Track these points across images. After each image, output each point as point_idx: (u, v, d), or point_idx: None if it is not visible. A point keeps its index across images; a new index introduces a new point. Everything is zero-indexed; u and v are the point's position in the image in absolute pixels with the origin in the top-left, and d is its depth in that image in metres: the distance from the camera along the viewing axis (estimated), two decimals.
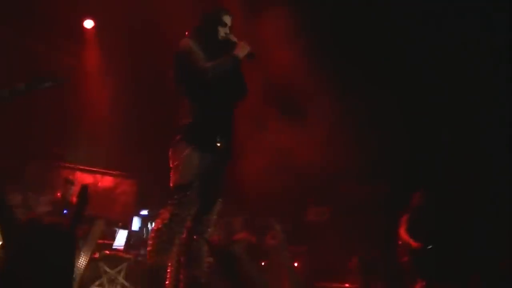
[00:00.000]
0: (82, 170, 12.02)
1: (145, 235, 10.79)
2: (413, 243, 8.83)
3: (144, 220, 11.41)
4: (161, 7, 9.27)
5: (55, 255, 1.47)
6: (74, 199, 9.18)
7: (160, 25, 9.46)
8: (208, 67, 5.07)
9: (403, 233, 9.01)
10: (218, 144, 5.16)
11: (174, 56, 5.29)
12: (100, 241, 9.32)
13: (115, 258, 9.37)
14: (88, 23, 11.41)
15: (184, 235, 5.09)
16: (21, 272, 1.46)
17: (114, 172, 12.60)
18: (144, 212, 11.61)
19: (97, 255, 8.97)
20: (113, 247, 9.89)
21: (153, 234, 4.95)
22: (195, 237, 5.15)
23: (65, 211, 9.24)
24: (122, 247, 10.09)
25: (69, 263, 1.47)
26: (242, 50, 5.23)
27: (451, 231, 9.05)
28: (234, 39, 5.32)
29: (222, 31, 5.36)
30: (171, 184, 5.03)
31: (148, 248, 4.94)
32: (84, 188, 1.56)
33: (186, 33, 5.44)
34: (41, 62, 10.19)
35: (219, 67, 5.12)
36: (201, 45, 5.26)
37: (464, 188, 9.34)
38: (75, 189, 9.72)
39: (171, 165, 5.11)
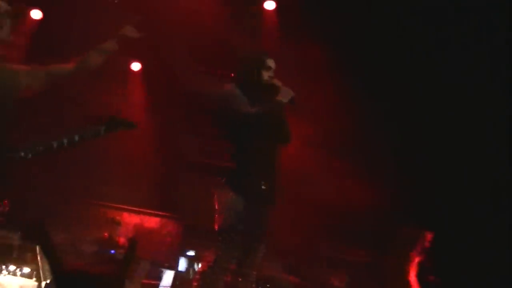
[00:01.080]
0: (128, 211, 12.09)
1: (191, 276, 10.78)
2: None
3: (191, 261, 11.40)
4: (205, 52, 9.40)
5: None
6: (121, 240, 9.28)
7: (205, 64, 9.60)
8: (252, 112, 5.10)
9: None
10: (263, 187, 5.17)
11: (219, 100, 5.35)
12: (146, 281, 9.36)
13: None
14: (135, 66, 11.60)
15: (228, 278, 5.09)
16: None
17: (160, 213, 12.64)
18: (191, 253, 11.61)
19: None
20: (159, 287, 9.91)
21: (197, 276, 4.98)
22: (240, 279, 5.15)
23: (112, 251, 9.32)
24: None
25: None
26: (285, 95, 5.24)
27: None
28: (278, 83, 5.34)
29: (266, 75, 5.38)
30: (215, 227, 5.06)
31: None
32: (133, 243, 1.57)
33: (231, 75, 5.51)
34: (88, 104, 10.35)
35: (263, 112, 5.14)
36: (245, 88, 5.30)
37: None
38: (122, 230, 9.81)
39: (216, 207, 5.14)
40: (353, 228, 10.22)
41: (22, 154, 4.18)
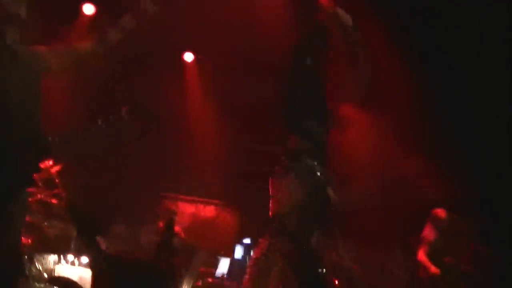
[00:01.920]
0: (183, 201, 12.19)
1: (247, 264, 10.80)
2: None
3: (247, 249, 11.44)
4: (260, 33, 9.32)
5: None
6: (177, 229, 9.35)
7: (261, 51, 9.54)
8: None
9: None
10: (318, 173, 5.16)
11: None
12: (203, 269, 9.42)
13: (218, 286, 9.44)
14: (188, 56, 11.60)
15: (282, 265, 5.09)
16: None
17: (215, 202, 12.71)
18: (247, 241, 11.65)
19: (199, 283, 9.05)
20: (216, 275, 9.96)
21: (251, 263, 4.99)
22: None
23: None
24: (225, 276, 10.15)
25: None
26: None
27: None
28: None
29: None
30: (270, 213, 5.06)
31: (246, 277, 4.97)
32: (170, 221, 1.56)
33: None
34: (142, 95, 10.42)
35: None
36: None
37: None
38: (178, 219, 9.88)
39: (270, 194, 5.14)
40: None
41: (50, 140, 4.23)
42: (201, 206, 12.61)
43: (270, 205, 5.10)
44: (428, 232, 8.77)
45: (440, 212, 8.83)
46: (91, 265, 1.69)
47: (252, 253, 10.53)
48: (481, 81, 9.17)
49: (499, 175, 9.25)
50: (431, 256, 8.44)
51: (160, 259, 1.56)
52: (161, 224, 10.11)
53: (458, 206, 9.06)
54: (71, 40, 5.02)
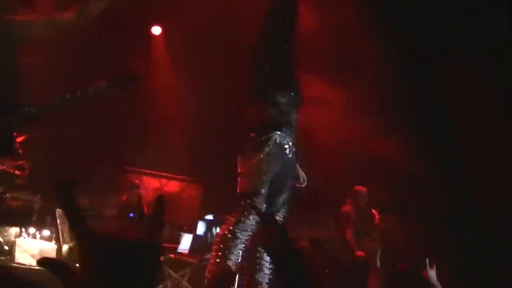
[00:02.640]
0: (148, 175, 12.11)
1: (209, 240, 10.80)
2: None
3: (209, 225, 11.42)
4: (229, 7, 9.25)
5: (139, 274, 1.41)
6: (142, 204, 9.25)
7: (229, 26, 9.47)
8: None
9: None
10: (287, 151, 5.13)
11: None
12: (165, 244, 9.38)
13: (180, 262, 9.41)
14: (156, 30, 11.49)
15: (248, 242, 5.06)
16: None
17: (180, 177, 12.65)
18: (209, 217, 11.62)
19: (161, 259, 9.01)
20: (178, 251, 9.93)
21: (217, 239, 4.94)
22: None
23: (131, 215, 9.31)
24: (187, 251, 10.12)
25: (152, 279, 1.42)
26: None
27: None
28: None
29: None
30: (238, 190, 5.01)
31: (212, 254, 4.93)
32: (161, 198, 1.51)
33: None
34: (111, 64, 10.27)
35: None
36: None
37: None
38: (141, 193, 9.81)
39: (239, 171, 5.09)
40: None
41: (27, 110, 4.15)
42: (165, 181, 12.55)
43: (239, 182, 5.05)
44: (349, 209, 8.86)
45: (361, 189, 8.90)
46: (78, 243, 1.62)
47: (215, 229, 10.55)
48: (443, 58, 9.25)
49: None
50: (355, 235, 8.54)
51: (152, 235, 1.51)
52: (124, 197, 10.04)
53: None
54: (54, 11, 4.92)
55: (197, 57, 10.98)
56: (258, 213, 4.74)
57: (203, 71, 11.13)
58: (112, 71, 4.65)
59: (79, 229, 1.44)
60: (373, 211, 8.89)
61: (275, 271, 2.08)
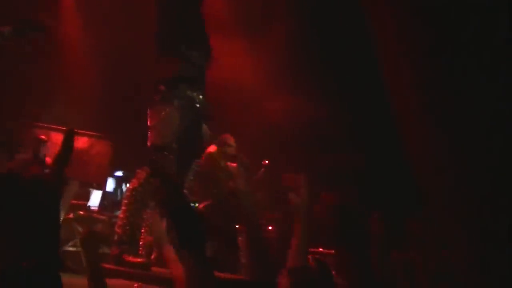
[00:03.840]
0: (56, 130, 11.86)
1: (119, 197, 10.76)
2: None
3: (119, 181, 11.37)
4: None
5: (41, 211, 1.39)
6: (48, 159, 9.09)
7: None
8: None
9: None
10: (197, 105, 5.11)
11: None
12: (74, 201, 9.27)
13: (90, 219, 9.35)
14: None
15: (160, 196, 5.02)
16: (4, 232, 1.38)
17: (88, 133, 12.47)
18: (119, 173, 11.56)
19: (71, 216, 8.91)
20: (88, 207, 9.86)
21: (128, 193, 4.88)
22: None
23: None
24: (96, 208, 10.05)
25: (56, 217, 1.40)
26: None
27: None
28: None
29: None
30: (148, 144, 4.96)
31: (123, 208, 4.88)
32: (71, 131, 1.48)
33: None
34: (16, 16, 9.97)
35: None
36: None
37: None
38: (49, 149, 9.60)
39: (149, 124, 5.04)
40: None
41: None
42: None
43: (149, 135, 5.00)
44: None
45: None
46: None
47: (124, 186, 10.50)
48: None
49: None
50: None
51: (56, 172, 1.46)
52: (30, 153, 9.81)
53: None
54: None
55: (107, 12, 10.79)
56: (154, 170, 4.73)
57: (112, 25, 10.95)
58: (17, 19, 4.47)
59: None
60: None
61: (170, 226, 2.08)
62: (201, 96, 5.17)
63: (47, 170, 1.38)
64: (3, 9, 9.39)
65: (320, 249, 9.14)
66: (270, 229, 10.06)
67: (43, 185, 1.39)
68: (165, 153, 4.83)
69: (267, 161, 9.46)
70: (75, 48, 11.46)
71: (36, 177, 1.39)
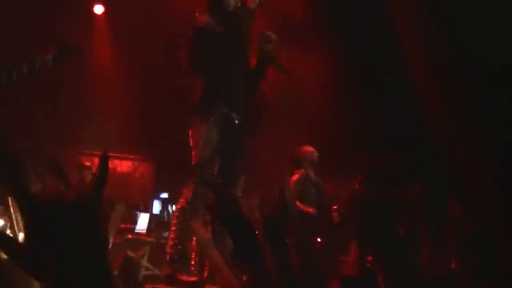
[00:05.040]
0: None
1: (166, 218, 10.79)
2: None
3: (164, 203, 11.40)
4: None
5: (83, 233, 1.36)
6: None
7: (170, 5, 9.38)
8: None
9: None
10: (236, 121, 5.12)
11: (192, 33, 5.25)
12: (122, 225, 9.32)
13: (138, 242, 9.37)
14: (98, 9, 11.30)
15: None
16: (46, 257, 1.36)
17: (131, 156, 12.55)
18: (164, 195, 11.60)
19: (119, 240, 8.95)
20: (135, 231, 9.88)
21: (177, 213, 4.91)
22: None
23: None
24: (144, 231, 10.08)
25: (99, 242, 1.37)
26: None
27: None
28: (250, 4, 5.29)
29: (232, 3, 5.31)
30: (192, 162, 4.98)
31: (172, 228, 4.89)
32: (104, 156, 1.45)
33: (196, 14, 5.37)
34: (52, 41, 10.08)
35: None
36: (216, 18, 5.22)
37: None
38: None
39: (190, 144, 5.05)
40: None
41: None
42: (117, 161, 12.44)
43: (192, 154, 5.02)
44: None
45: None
46: (20, 212, 1.56)
47: (170, 207, 10.52)
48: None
49: None
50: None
51: (93, 196, 1.46)
52: (75, 179, 9.88)
53: None
54: None
55: (139, 36, 10.86)
56: (212, 188, 4.71)
57: (145, 49, 11.01)
58: (58, 44, 4.51)
59: (20, 196, 1.38)
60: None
61: (234, 249, 2.05)
62: (238, 113, 5.18)
63: (82, 196, 1.35)
64: (36, 31, 9.55)
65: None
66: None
67: (83, 210, 1.36)
68: (209, 169, 4.85)
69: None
70: (109, 72, 11.54)
71: (74, 202, 1.36)
